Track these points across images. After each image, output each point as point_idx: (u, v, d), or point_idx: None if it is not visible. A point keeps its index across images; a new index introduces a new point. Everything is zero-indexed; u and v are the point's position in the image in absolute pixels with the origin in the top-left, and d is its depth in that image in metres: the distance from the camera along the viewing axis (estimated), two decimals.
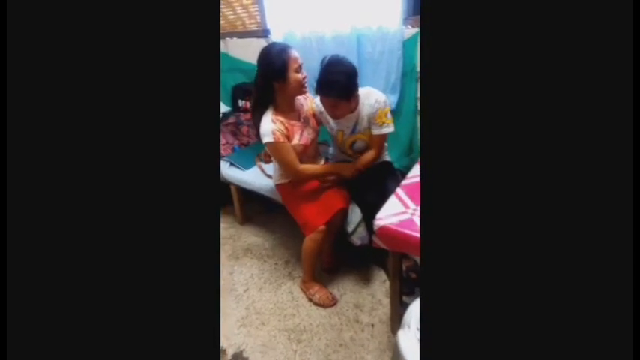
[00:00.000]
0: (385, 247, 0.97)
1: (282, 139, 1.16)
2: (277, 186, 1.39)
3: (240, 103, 2.01)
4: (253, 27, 1.89)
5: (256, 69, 1.17)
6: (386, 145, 1.41)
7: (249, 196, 1.74)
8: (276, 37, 1.72)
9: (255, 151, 1.74)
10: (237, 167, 1.70)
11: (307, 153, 1.30)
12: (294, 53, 1.14)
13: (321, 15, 1.54)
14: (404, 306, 1.10)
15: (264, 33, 1.82)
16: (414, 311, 0.82)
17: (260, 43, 1.85)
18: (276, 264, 1.59)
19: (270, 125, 1.16)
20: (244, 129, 1.93)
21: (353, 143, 1.33)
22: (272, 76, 1.13)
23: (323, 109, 1.26)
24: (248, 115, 1.93)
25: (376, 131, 1.24)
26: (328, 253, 1.47)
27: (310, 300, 1.36)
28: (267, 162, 1.61)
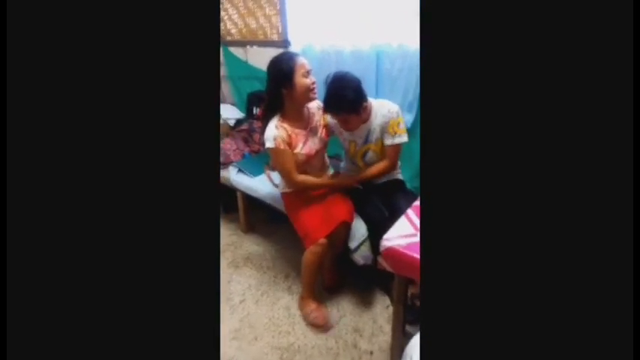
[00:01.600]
0: (391, 269, 0.92)
1: (282, 146, 1.15)
2: (282, 195, 1.37)
3: (255, 110, 2.01)
4: (274, 37, 1.91)
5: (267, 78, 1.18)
6: (399, 162, 1.37)
7: (254, 204, 1.71)
8: (295, 48, 1.74)
9: (264, 159, 1.72)
10: (246, 174, 1.68)
11: (312, 164, 1.27)
12: (302, 59, 1.14)
13: (342, 29, 1.54)
14: (407, 336, 1.03)
15: (284, 44, 1.83)
16: (418, 344, 0.75)
17: (279, 53, 1.87)
18: (275, 277, 1.54)
19: (273, 131, 1.16)
20: (256, 136, 1.92)
21: (364, 154, 1.30)
22: (280, 82, 1.13)
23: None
24: (260, 123, 1.92)
25: (389, 141, 1.22)
26: (330, 270, 1.41)
27: (305, 319, 1.29)
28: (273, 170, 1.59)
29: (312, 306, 1.29)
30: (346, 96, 1.11)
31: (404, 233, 0.92)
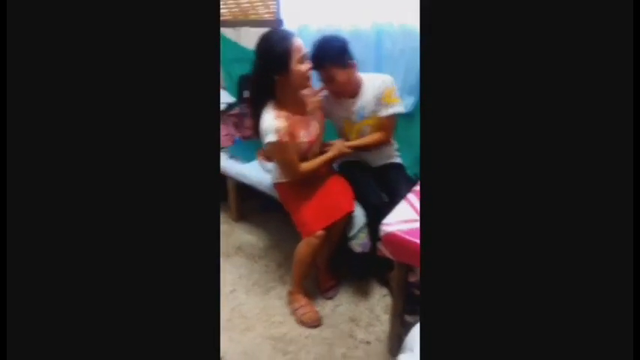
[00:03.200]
0: (390, 256, 0.87)
1: (284, 138, 1.05)
2: (276, 185, 1.28)
3: (246, 94, 1.93)
4: (267, 17, 1.82)
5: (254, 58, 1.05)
6: (396, 145, 1.32)
7: (246, 191, 1.64)
8: (290, 28, 1.65)
9: (257, 145, 1.63)
10: (237, 159, 1.60)
11: (313, 150, 1.20)
12: (298, 41, 1.02)
13: (340, 7, 1.46)
14: (405, 326, 0.99)
15: (277, 23, 1.74)
16: (418, 335, 0.71)
17: None
18: (267, 266, 1.49)
19: (273, 122, 1.03)
20: (247, 121, 1.84)
21: (360, 131, 1.24)
22: (272, 68, 1.02)
23: (326, 95, 1.20)
24: (250, 110, 1.84)
25: (384, 112, 1.17)
26: (325, 271, 1.33)
27: (293, 314, 1.23)
28: (266, 161, 1.48)
29: (301, 302, 1.22)
30: (331, 48, 1.08)
31: (405, 218, 0.87)
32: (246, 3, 1.89)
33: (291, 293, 1.26)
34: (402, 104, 1.19)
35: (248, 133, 1.83)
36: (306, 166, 1.14)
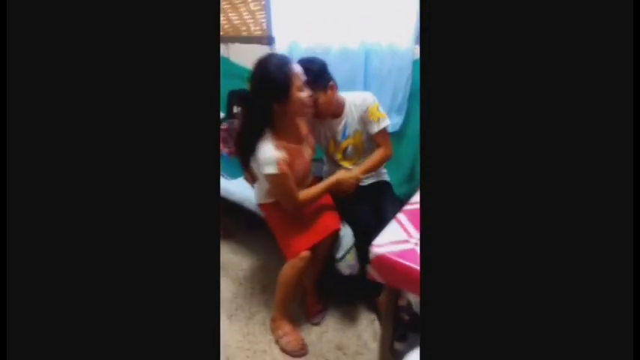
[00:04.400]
0: (381, 280, 0.83)
1: (285, 169, 0.99)
2: (261, 205, 1.21)
3: (236, 109, 1.90)
4: (257, 33, 1.82)
5: (249, 84, 1.00)
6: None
7: (231, 208, 1.58)
8: (280, 45, 1.66)
9: None
10: (224, 176, 1.55)
11: (306, 173, 1.16)
12: (297, 68, 0.97)
13: (329, 27, 1.47)
14: (395, 355, 0.94)
15: (268, 40, 1.75)
16: None
17: (263, 50, 1.78)
18: (252, 289, 1.41)
19: (273, 153, 0.96)
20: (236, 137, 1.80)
21: (345, 150, 1.22)
22: (272, 96, 0.96)
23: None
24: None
25: (375, 128, 1.14)
26: (312, 294, 1.26)
27: (276, 342, 1.16)
28: (251, 182, 1.30)
29: (285, 329, 1.15)
30: (310, 72, 1.03)
31: (396, 239, 0.83)
32: (237, 19, 1.89)
33: (274, 320, 1.19)
34: (387, 118, 1.17)
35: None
36: (305, 195, 1.08)
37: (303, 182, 1.15)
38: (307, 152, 1.13)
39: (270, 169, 0.97)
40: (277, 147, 0.99)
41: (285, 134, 1.04)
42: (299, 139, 1.10)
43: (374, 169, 1.19)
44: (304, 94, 0.99)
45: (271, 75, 0.94)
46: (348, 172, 1.14)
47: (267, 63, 0.95)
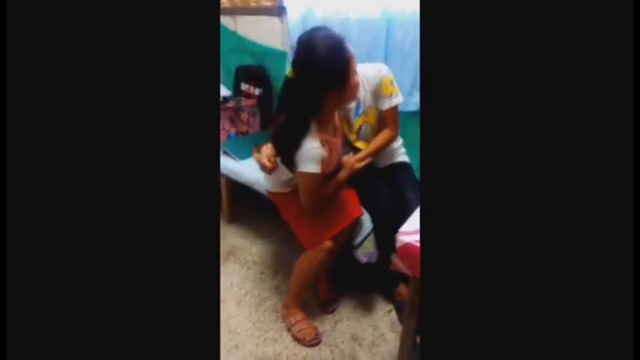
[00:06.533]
0: (407, 270, 0.75)
1: (324, 168, 0.90)
2: (273, 194, 1.12)
3: (244, 87, 1.80)
4: (267, 3, 1.69)
5: (293, 70, 0.84)
6: (401, 140, 1.21)
7: (240, 190, 1.51)
8: (292, 16, 1.53)
9: (253, 141, 1.51)
10: (231, 156, 1.47)
11: (338, 168, 1.06)
12: (351, 49, 0.83)
13: None
14: (417, 350, 0.87)
15: (278, 11, 1.62)
16: None
17: (273, 22, 1.65)
18: (262, 273, 1.35)
19: (318, 151, 0.86)
20: (244, 116, 1.71)
21: (359, 130, 1.12)
22: (329, 86, 0.82)
23: None
24: (250, 101, 1.71)
25: (386, 104, 1.04)
26: (326, 282, 1.20)
27: (288, 330, 1.10)
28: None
29: (297, 316, 1.09)
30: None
31: None
32: None
33: (286, 306, 1.13)
34: (400, 94, 1.06)
35: (244, 128, 1.70)
36: (325, 190, 1.00)
37: (331, 175, 1.06)
38: (339, 144, 1.03)
39: (312, 169, 0.88)
40: (322, 142, 0.89)
41: (325, 125, 0.93)
42: (335, 130, 1.00)
43: (378, 151, 1.10)
44: (357, 76, 0.88)
45: (328, 60, 0.79)
46: (355, 160, 1.05)
47: (317, 45, 0.79)
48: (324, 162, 0.89)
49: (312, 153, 0.86)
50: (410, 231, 0.74)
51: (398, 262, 0.76)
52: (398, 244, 0.73)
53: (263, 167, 0.99)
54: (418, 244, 0.70)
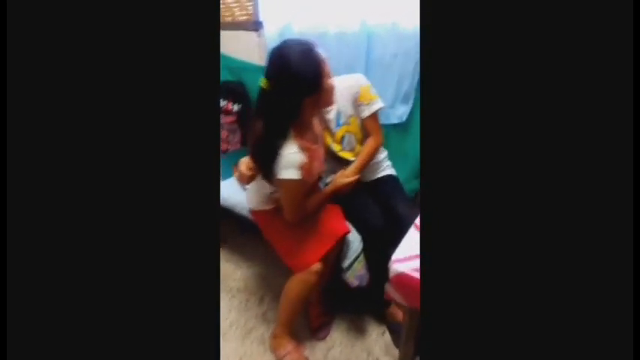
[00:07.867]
0: (402, 302, 0.71)
1: (304, 175, 0.87)
2: (255, 212, 1.07)
3: (222, 103, 1.73)
4: (243, 18, 1.65)
5: (267, 81, 0.82)
6: (385, 152, 1.18)
7: (222, 212, 1.43)
8: (269, 30, 1.49)
9: (233, 159, 1.45)
10: None
11: (319, 177, 1.04)
12: (323, 52, 0.83)
13: (325, 7, 1.32)
14: None
15: (255, 25, 1.58)
16: None
17: (250, 37, 1.62)
18: (247, 301, 1.28)
19: (296, 157, 0.84)
20: (224, 133, 1.65)
21: (341, 140, 1.10)
22: (303, 91, 0.82)
23: None
24: (229, 118, 1.65)
25: (366, 112, 1.05)
26: (317, 305, 1.14)
27: None
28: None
29: (287, 347, 1.03)
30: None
31: (417, 252, 0.71)
32: (222, 5, 1.71)
33: (275, 336, 1.06)
34: (380, 100, 1.07)
35: (224, 146, 1.64)
36: (310, 204, 0.96)
37: (314, 187, 1.02)
38: (322, 152, 0.99)
39: (291, 174, 0.84)
40: (301, 148, 0.86)
41: (304, 132, 0.90)
42: (315, 138, 0.96)
43: (367, 162, 1.09)
44: (331, 80, 0.86)
45: (300, 66, 0.79)
46: (344, 175, 1.05)
47: (289, 53, 0.80)
48: (304, 168, 0.85)
49: (290, 158, 0.84)
50: (403, 258, 0.70)
51: (392, 292, 0.71)
52: (391, 274, 0.69)
53: (241, 177, 0.97)
54: (414, 274, 0.66)
